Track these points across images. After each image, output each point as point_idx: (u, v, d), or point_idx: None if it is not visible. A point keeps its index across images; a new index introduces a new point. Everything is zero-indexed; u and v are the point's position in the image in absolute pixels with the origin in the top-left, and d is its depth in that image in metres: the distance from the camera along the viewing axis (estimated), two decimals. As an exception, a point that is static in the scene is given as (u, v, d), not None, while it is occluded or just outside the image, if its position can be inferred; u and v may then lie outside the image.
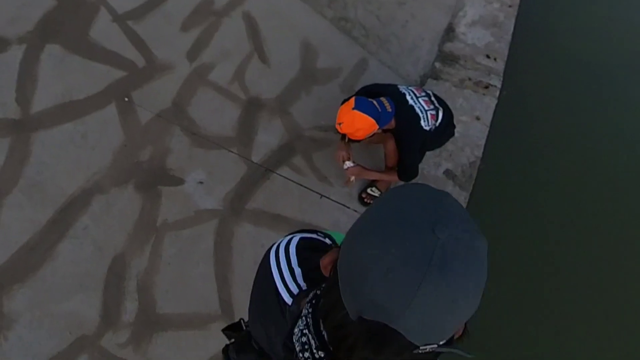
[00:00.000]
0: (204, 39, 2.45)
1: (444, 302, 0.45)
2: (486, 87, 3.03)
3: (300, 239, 0.78)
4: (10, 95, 2.08)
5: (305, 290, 0.68)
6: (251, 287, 0.83)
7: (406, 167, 2.30)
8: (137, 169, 2.15)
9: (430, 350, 0.50)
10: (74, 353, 1.87)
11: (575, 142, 2.89)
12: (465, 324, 1.01)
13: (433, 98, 2.31)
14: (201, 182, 2.23)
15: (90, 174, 2.09)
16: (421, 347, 0.49)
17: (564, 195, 2.68)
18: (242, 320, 0.96)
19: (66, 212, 2.02)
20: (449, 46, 3.19)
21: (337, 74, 2.70)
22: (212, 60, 2.43)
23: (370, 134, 2.15)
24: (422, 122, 2.19)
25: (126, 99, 2.20)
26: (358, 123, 2.04)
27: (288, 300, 0.68)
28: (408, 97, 2.21)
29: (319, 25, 2.77)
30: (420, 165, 2.74)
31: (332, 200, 2.40)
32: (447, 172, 2.75)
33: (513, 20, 3.34)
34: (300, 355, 0.58)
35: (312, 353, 0.56)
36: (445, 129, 2.44)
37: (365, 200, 2.53)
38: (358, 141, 2.24)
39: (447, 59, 3.13)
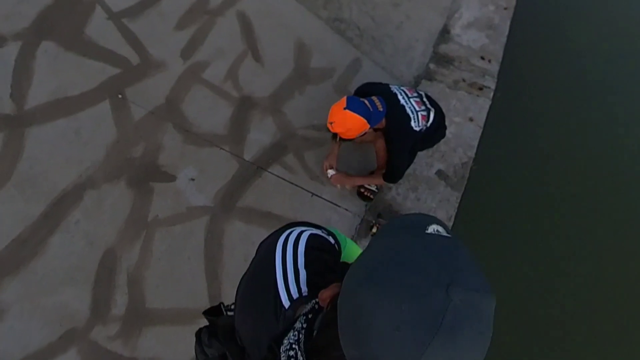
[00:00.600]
0: (199, 37, 2.47)
1: None
2: (480, 89, 3.04)
3: (310, 235, 0.74)
4: (5, 91, 2.11)
5: (305, 296, 0.66)
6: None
7: (393, 167, 2.31)
8: (130, 165, 2.17)
9: None
10: (63, 345, 1.90)
11: (568, 144, 2.90)
12: None
13: (425, 99, 2.32)
14: (193, 179, 2.25)
15: (82, 169, 2.12)
16: None
17: (556, 195, 2.69)
18: (221, 305, 0.95)
19: (58, 206, 2.05)
20: (443, 47, 3.21)
21: (331, 73, 2.72)
22: (206, 58, 2.45)
23: (362, 133, 2.15)
24: (412, 123, 2.20)
25: (120, 96, 2.23)
26: (349, 122, 2.05)
27: (286, 302, 0.66)
28: (400, 97, 2.22)
29: (314, 25, 2.79)
30: (412, 166, 2.76)
31: (324, 199, 2.42)
32: (439, 173, 2.76)
33: (508, 23, 3.35)
34: None
35: None
36: (436, 131, 2.45)
37: (364, 193, 2.54)
38: (350, 140, 2.25)
39: (442, 60, 3.15)
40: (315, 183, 2.49)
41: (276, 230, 0.80)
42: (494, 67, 3.15)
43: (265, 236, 0.83)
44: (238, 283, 0.83)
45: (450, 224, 2.60)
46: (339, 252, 0.82)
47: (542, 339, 2.41)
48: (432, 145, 2.57)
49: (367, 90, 2.27)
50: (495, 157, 2.85)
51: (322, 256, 0.73)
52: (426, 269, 0.47)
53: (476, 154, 2.82)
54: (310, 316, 0.62)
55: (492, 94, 3.02)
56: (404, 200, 2.68)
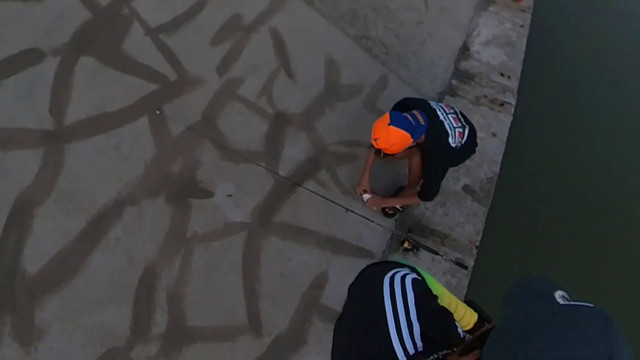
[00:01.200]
0: (233, 53, 2.50)
1: None
2: (501, 105, 3.11)
3: (414, 280, 0.72)
4: (44, 107, 2.10)
5: (421, 352, 0.64)
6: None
7: (429, 183, 2.33)
8: (168, 180, 2.17)
9: None
10: (105, 365, 1.87)
11: (588, 156, 2.97)
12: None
13: (460, 116, 2.35)
14: (230, 195, 2.26)
15: (122, 185, 2.11)
16: None
17: (580, 208, 2.75)
18: None
19: (98, 222, 2.04)
20: (464, 64, 3.28)
21: (360, 90, 2.76)
22: (241, 74, 2.47)
23: (406, 148, 2.17)
24: (450, 139, 2.23)
25: (158, 112, 2.23)
26: (394, 138, 2.07)
27: (402, 357, 0.64)
28: (439, 113, 2.24)
29: (342, 42, 2.84)
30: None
31: (357, 214, 2.44)
32: (466, 188, 2.81)
33: (525, 40, 3.45)
34: None
35: None
36: (469, 148, 2.49)
37: (389, 211, 2.58)
38: (393, 155, 2.26)
39: (463, 76, 3.22)
40: (347, 198, 2.52)
41: (369, 273, 0.78)
42: (514, 84, 3.23)
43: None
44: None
45: (478, 239, 2.64)
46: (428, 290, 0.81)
47: None
48: (462, 162, 2.62)
49: (406, 104, 2.29)
50: (518, 172, 2.91)
51: (428, 303, 0.71)
52: (584, 344, 0.46)
53: (500, 168, 2.87)
54: None
55: (512, 109, 3.10)
56: (433, 214, 2.71)
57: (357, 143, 2.64)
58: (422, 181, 2.37)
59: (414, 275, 0.77)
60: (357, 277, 0.83)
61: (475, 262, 2.60)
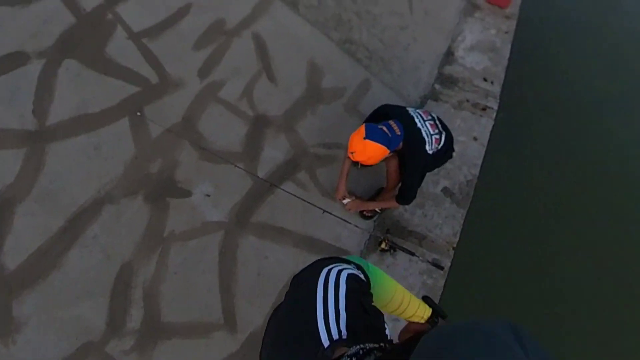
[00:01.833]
0: (215, 57, 2.56)
1: None
2: (484, 109, 3.15)
3: (349, 275, 0.75)
4: (27, 107, 2.17)
5: (344, 339, 0.65)
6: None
7: (407, 187, 2.36)
8: (147, 180, 2.23)
9: None
10: (79, 358, 1.92)
11: (569, 161, 3.00)
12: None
13: (437, 122, 2.39)
14: (208, 195, 2.31)
15: (101, 185, 2.16)
16: None
17: (559, 212, 2.78)
18: None
19: (77, 220, 2.09)
20: (448, 69, 3.33)
21: (342, 93, 2.81)
22: (223, 77, 2.53)
23: (382, 159, 2.20)
24: (427, 146, 2.26)
25: (139, 114, 2.29)
26: (370, 151, 2.08)
27: (325, 342, 0.65)
28: (416, 120, 2.27)
29: (325, 46, 2.90)
30: (419, 183, 2.85)
31: (334, 215, 2.48)
32: (445, 190, 2.84)
33: (509, 46, 3.49)
34: None
35: None
36: (445, 153, 2.52)
37: (367, 214, 2.62)
38: (370, 165, 2.28)
39: (447, 81, 3.26)
40: (326, 199, 2.56)
41: (311, 266, 0.81)
42: (496, 89, 3.27)
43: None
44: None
45: (456, 240, 2.67)
46: (369, 287, 0.84)
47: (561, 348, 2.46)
48: (439, 166, 2.65)
49: (385, 112, 2.32)
50: (498, 175, 2.94)
51: (360, 298, 0.74)
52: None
53: (480, 171, 2.91)
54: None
55: (494, 114, 3.14)
56: (411, 216, 2.75)
57: (338, 145, 2.69)
58: (400, 185, 2.41)
59: (354, 272, 0.79)
60: (302, 269, 0.86)
61: (452, 263, 2.63)
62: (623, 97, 3.41)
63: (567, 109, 3.25)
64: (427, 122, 2.29)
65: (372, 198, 2.62)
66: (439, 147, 2.36)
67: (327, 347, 0.64)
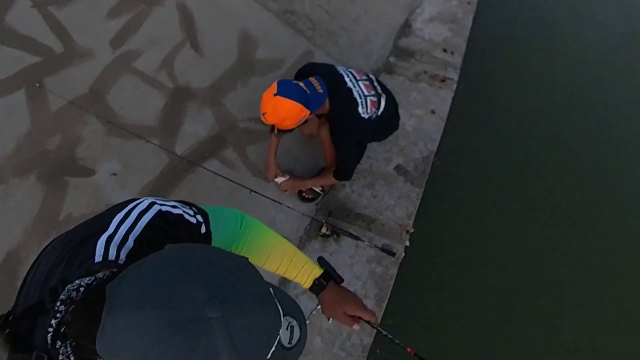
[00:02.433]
0: (132, 26, 2.33)
1: None
2: (443, 81, 2.87)
3: (159, 212, 0.71)
4: None
5: (119, 263, 0.63)
6: None
7: (341, 160, 2.08)
8: (43, 158, 1.97)
9: None
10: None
11: (533, 136, 2.70)
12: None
13: (376, 83, 2.11)
14: (114, 174, 2.04)
15: (-12, 163, 1.91)
16: None
17: (521, 190, 2.46)
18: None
19: (-43, 203, 1.83)
20: (404, 41, 3.07)
21: (279, 65, 2.56)
22: (139, 47, 2.29)
23: (301, 121, 1.92)
24: (360, 109, 1.98)
25: (37, 85, 2.05)
26: (283, 111, 1.80)
27: (98, 258, 0.63)
28: (347, 79, 2.00)
29: (261, 17, 2.66)
30: (368, 161, 2.55)
31: (266, 197, 2.19)
32: (398, 168, 2.54)
33: (471, 17, 3.23)
34: (51, 306, 0.57)
35: (60, 313, 0.57)
36: (389, 121, 2.24)
37: (305, 195, 2.33)
38: (290, 130, 2.00)
39: (402, 53, 3.00)
40: (257, 180, 2.28)
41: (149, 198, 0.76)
42: (457, 60, 3.00)
43: None
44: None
45: (410, 222, 2.36)
46: (201, 236, 0.77)
47: (514, 338, 2.12)
48: (384, 137, 2.37)
49: (309, 70, 2.05)
50: (458, 151, 2.64)
51: (161, 237, 0.69)
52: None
53: (439, 147, 2.61)
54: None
55: (455, 85, 2.86)
56: (360, 197, 2.45)
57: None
58: (337, 160, 2.13)
59: (172, 211, 0.73)
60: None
61: (406, 248, 2.32)
62: (590, 65, 3.13)
63: (533, 80, 2.96)
64: (360, 82, 2.01)
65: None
66: (379, 112, 2.08)
67: (97, 263, 0.62)
